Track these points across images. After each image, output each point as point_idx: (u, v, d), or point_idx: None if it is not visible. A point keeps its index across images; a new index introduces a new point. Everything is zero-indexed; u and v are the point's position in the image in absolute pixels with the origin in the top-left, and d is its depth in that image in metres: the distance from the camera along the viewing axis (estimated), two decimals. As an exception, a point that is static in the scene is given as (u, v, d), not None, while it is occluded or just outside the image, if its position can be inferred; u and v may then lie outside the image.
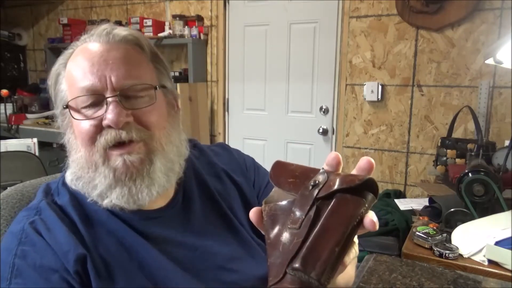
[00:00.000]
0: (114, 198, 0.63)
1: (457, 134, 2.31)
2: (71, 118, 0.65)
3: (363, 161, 0.44)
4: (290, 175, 0.48)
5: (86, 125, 0.63)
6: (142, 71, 0.66)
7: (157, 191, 0.65)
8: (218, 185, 0.78)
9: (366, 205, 0.42)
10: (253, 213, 0.48)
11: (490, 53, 1.34)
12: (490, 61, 1.36)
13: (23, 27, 4.12)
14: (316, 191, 0.44)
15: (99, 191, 0.64)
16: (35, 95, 3.93)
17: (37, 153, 2.22)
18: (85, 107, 0.64)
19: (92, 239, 0.63)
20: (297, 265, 0.40)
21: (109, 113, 0.61)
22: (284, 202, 0.46)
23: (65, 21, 3.50)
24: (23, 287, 0.57)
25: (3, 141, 2.20)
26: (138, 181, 0.64)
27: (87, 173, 0.64)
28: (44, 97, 3.90)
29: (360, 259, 1.14)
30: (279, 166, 0.50)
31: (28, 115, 3.55)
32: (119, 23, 3.33)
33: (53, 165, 3.49)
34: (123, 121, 0.61)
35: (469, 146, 1.97)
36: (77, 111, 0.64)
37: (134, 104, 0.64)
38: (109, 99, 0.62)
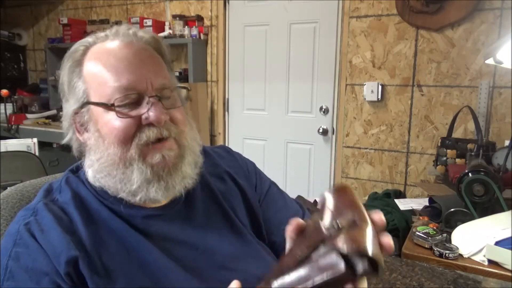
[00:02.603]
0: (152, 192, 0.66)
1: (457, 134, 2.31)
2: (96, 116, 0.66)
3: (377, 217, 0.48)
4: (343, 205, 0.51)
5: (123, 123, 0.64)
6: (167, 74, 0.70)
7: (189, 183, 0.69)
8: (221, 186, 0.79)
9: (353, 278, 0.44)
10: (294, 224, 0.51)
11: (490, 53, 1.34)
12: (490, 61, 1.36)
13: (23, 27, 4.12)
14: (327, 234, 0.47)
15: (136, 187, 0.65)
16: (35, 95, 3.93)
17: (37, 153, 2.22)
18: (121, 106, 0.65)
19: (92, 238, 0.63)
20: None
21: (152, 112, 0.64)
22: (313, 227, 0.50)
23: (65, 21, 3.50)
24: None
25: (3, 141, 2.20)
26: (174, 175, 0.67)
27: (119, 170, 0.65)
28: (44, 97, 3.90)
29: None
30: (345, 192, 0.54)
31: (28, 115, 3.55)
32: (119, 23, 3.33)
33: (53, 165, 3.50)
34: (163, 119, 0.65)
35: (469, 146, 1.97)
36: (109, 109, 0.65)
37: (168, 104, 0.67)
38: (151, 99, 0.65)
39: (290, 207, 0.86)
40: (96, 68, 0.66)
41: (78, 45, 0.70)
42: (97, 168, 0.67)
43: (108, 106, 0.65)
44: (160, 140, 0.66)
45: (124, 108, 0.65)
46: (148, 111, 0.65)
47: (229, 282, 0.65)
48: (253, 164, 0.89)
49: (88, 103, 0.67)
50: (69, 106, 0.69)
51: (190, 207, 0.73)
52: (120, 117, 0.64)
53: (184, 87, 0.72)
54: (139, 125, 0.65)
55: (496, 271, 1.08)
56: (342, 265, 0.43)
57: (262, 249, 0.76)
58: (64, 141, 0.72)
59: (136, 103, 0.65)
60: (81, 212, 0.66)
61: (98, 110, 0.66)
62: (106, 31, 0.70)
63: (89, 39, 0.70)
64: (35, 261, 0.59)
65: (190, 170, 0.69)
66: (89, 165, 0.68)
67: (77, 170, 0.74)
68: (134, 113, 0.65)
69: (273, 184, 0.88)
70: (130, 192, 0.66)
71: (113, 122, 0.65)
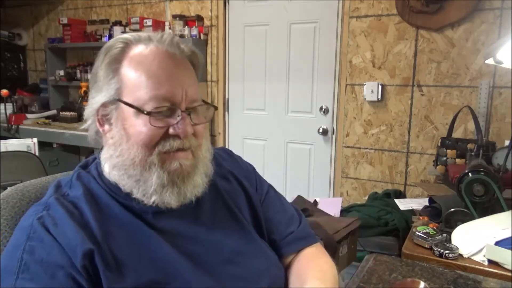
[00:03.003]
0: (166, 197, 0.69)
1: (457, 134, 2.31)
2: (126, 115, 0.68)
3: None
4: None
5: (151, 130, 0.67)
6: (198, 89, 0.74)
7: (199, 191, 0.73)
8: (226, 185, 0.83)
9: None
10: None
11: (490, 53, 1.34)
12: (490, 61, 1.36)
13: (23, 27, 4.12)
14: None
15: (152, 190, 0.68)
16: (35, 95, 3.93)
17: (37, 153, 2.22)
18: (154, 114, 0.67)
19: (103, 232, 0.65)
20: None
21: (181, 125, 0.68)
22: None
23: (65, 21, 3.50)
24: (29, 281, 0.59)
25: (3, 141, 2.20)
26: (187, 183, 0.71)
27: (136, 170, 0.68)
28: (44, 97, 3.91)
29: (360, 259, 1.14)
30: None
31: (28, 115, 3.55)
32: (119, 23, 3.33)
33: (53, 165, 3.50)
34: (190, 132, 0.69)
35: (469, 146, 1.97)
36: (140, 113, 0.67)
37: (195, 118, 0.71)
38: (183, 113, 0.69)
39: (287, 209, 0.90)
40: (137, 71, 0.68)
41: (115, 41, 0.72)
42: (115, 163, 0.69)
43: (140, 111, 0.67)
44: (180, 149, 0.69)
45: (157, 116, 0.67)
46: (177, 124, 0.68)
47: (235, 277, 0.71)
48: (252, 166, 0.93)
49: (120, 101, 0.69)
50: (99, 97, 0.71)
51: (198, 204, 0.75)
52: (152, 124, 0.67)
53: (213, 106, 0.76)
54: (166, 134, 0.68)
55: (496, 271, 1.07)
56: None
57: (265, 246, 0.79)
58: (84, 126, 0.75)
59: (168, 113, 0.68)
60: (92, 207, 0.68)
61: (129, 110, 0.68)
62: (150, 33, 0.72)
63: (128, 36, 0.72)
64: (49, 254, 0.61)
65: (201, 180, 0.73)
66: (106, 158, 0.71)
67: (87, 166, 0.77)
68: (163, 123, 0.68)
69: (270, 187, 0.92)
70: (145, 194, 0.69)
71: (142, 126, 0.67)
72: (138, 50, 0.70)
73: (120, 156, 0.69)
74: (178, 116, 0.68)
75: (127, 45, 0.71)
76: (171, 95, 0.68)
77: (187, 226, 0.72)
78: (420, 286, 0.76)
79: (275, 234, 0.84)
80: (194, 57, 0.75)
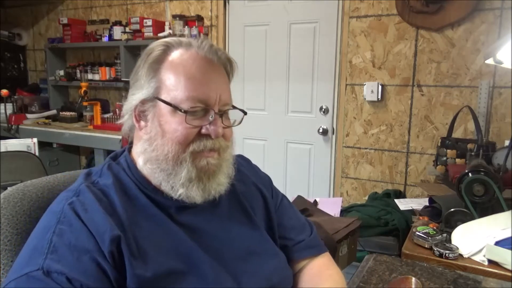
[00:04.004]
0: (193, 191, 0.73)
1: (457, 134, 2.31)
2: (162, 112, 0.72)
3: None
4: None
5: (186, 129, 0.72)
6: (230, 92, 0.79)
7: (222, 190, 0.77)
8: (243, 188, 0.87)
9: None
10: None
11: (490, 53, 1.34)
12: (490, 61, 1.36)
13: (23, 27, 4.12)
14: None
15: (181, 182, 0.72)
16: (35, 95, 3.93)
17: (37, 153, 2.22)
18: (190, 113, 0.72)
19: (130, 221, 0.68)
20: None
21: (214, 126, 0.73)
22: None
23: (65, 21, 3.51)
24: (57, 263, 0.61)
25: (3, 141, 2.20)
26: (211, 180, 0.75)
27: (168, 164, 0.72)
28: (44, 97, 3.91)
29: (360, 259, 1.14)
30: None
31: (28, 115, 3.55)
32: (119, 23, 3.33)
33: (53, 165, 3.50)
34: (221, 133, 0.74)
35: (469, 146, 1.97)
36: (177, 111, 0.72)
37: (226, 121, 0.77)
38: (216, 115, 0.73)
39: (300, 218, 0.96)
40: (176, 73, 0.73)
41: (157, 44, 0.77)
42: (149, 157, 0.74)
43: (178, 109, 0.71)
44: (212, 150, 0.74)
45: (192, 115, 0.72)
46: (210, 124, 0.73)
47: (248, 273, 0.76)
48: (269, 177, 0.98)
49: (158, 99, 0.73)
50: (138, 95, 0.75)
51: (216, 203, 0.80)
52: (187, 123, 0.71)
53: (242, 111, 0.81)
54: (199, 133, 0.73)
55: (496, 271, 1.08)
56: None
57: (276, 248, 0.84)
58: (121, 121, 0.79)
59: (202, 114, 0.73)
60: (121, 196, 0.71)
61: (166, 108, 0.72)
62: (190, 39, 0.78)
63: (170, 40, 0.77)
64: (78, 239, 0.64)
65: (224, 180, 0.78)
66: (140, 152, 0.75)
67: (116, 158, 0.81)
68: (197, 122, 0.73)
69: (284, 197, 0.98)
70: (174, 187, 0.73)
71: (178, 124, 0.72)
72: (179, 53, 0.75)
73: (154, 150, 0.73)
74: (211, 117, 0.73)
75: (168, 48, 0.75)
76: (207, 97, 0.73)
77: (206, 222, 0.77)
78: (412, 281, 0.83)
79: (287, 239, 0.89)
80: (230, 65, 0.80)
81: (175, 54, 0.75)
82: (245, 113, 0.82)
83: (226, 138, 0.77)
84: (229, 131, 0.78)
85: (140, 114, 0.76)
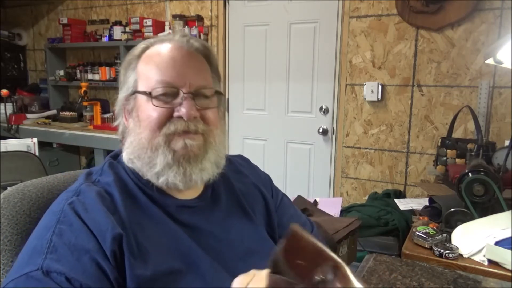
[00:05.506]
0: (171, 177, 0.72)
1: (457, 134, 2.31)
2: (139, 103, 0.74)
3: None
4: (301, 255, 0.50)
5: (157, 112, 0.72)
6: (209, 78, 0.79)
7: (206, 177, 0.75)
8: (242, 188, 0.87)
9: None
10: None
11: (490, 53, 1.34)
12: (490, 61, 1.36)
13: (23, 27, 4.12)
14: None
15: (158, 170, 0.72)
16: (35, 95, 3.93)
17: (37, 153, 2.22)
18: (159, 96, 0.72)
19: (131, 219, 0.68)
20: None
21: (183, 107, 0.72)
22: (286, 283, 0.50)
23: (65, 21, 3.51)
24: (56, 262, 0.61)
25: (3, 141, 2.20)
26: (193, 164, 0.73)
27: (147, 153, 0.73)
28: (44, 97, 3.91)
29: (360, 259, 1.14)
30: (294, 239, 0.52)
31: (28, 115, 3.55)
32: (119, 23, 3.33)
33: (53, 165, 3.50)
34: (193, 115, 0.72)
35: (469, 146, 1.97)
36: (151, 99, 0.73)
37: (202, 104, 0.75)
38: (185, 95, 0.73)
39: (300, 216, 0.97)
40: (148, 64, 0.75)
41: (141, 43, 0.80)
42: (131, 150, 0.74)
43: (148, 95, 0.73)
44: (186, 132, 0.73)
45: (161, 98, 0.73)
46: (180, 106, 0.72)
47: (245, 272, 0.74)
48: (269, 176, 0.98)
49: (135, 92, 0.75)
50: (122, 94, 0.78)
51: (215, 203, 0.81)
52: (155, 105, 0.72)
53: (219, 92, 0.80)
54: (170, 116, 0.73)
55: (496, 271, 1.08)
56: None
57: (276, 246, 0.82)
58: (115, 124, 0.81)
59: (172, 97, 0.73)
60: (122, 194, 0.72)
61: (142, 98, 0.74)
62: (168, 35, 0.80)
63: (151, 39, 0.80)
64: (77, 238, 0.64)
65: (209, 167, 0.76)
66: (126, 147, 0.76)
67: (116, 156, 0.81)
68: (168, 105, 0.73)
69: (285, 196, 0.98)
70: (155, 175, 0.72)
71: (150, 110, 0.73)
72: (155, 47, 0.77)
73: (133, 141, 0.74)
74: (181, 98, 0.73)
75: (147, 46, 0.78)
76: (174, 80, 0.73)
77: (206, 222, 0.76)
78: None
79: None
80: (206, 52, 0.81)
81: (150, 50, 0.77)
82: (221, 94, 0.81)
83: (207, 121, 0.76)
84: (210, 114, 0.76)
85: (127, 113, 0.78)
